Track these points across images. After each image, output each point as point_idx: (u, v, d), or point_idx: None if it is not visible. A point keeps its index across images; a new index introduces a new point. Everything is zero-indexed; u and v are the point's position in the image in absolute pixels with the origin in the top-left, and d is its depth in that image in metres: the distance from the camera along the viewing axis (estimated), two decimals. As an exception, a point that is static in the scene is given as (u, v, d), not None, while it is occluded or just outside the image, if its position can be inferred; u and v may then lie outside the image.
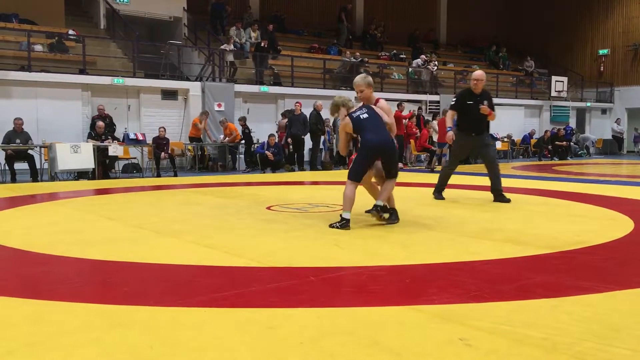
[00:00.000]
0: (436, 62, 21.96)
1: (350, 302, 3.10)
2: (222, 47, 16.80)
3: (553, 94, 23.89)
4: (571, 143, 21.55)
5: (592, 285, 3.37)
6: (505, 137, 19.92)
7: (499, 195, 7.61)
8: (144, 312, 2.93)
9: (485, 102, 7.44)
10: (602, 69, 26.59)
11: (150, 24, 18.68)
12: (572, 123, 24.66)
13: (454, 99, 7.85)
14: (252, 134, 14.91)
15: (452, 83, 21.79)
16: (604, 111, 26.27)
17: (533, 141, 21.14)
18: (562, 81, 24.19)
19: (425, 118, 18.08)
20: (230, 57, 16.98)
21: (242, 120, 14.77)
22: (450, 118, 7.83)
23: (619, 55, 26.04)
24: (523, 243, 4.70)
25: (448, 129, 7.84)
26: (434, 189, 8.09)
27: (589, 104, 25.56)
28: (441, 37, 27.51)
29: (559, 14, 27.71)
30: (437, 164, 14.11)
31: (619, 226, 5.52)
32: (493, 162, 7.71)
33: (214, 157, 15.28)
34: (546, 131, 20.75)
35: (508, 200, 7.49)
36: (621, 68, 26.00)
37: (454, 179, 11.40)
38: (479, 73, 7.56)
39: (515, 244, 4.68)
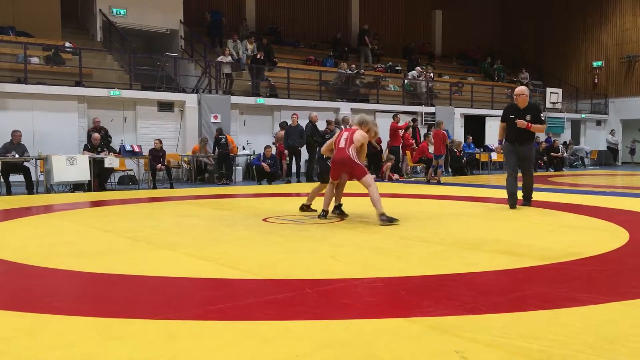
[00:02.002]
0: (432, 74, 22.06)
1: (346, 314, 3.10)
2: (218, 58, 16.86)
3: (548, 105, 24.02)
4: (564, 155, 21.64)
5: (587, 297, 3.37)
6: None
7: (525, 199, 8.25)
8: (139, 325, 2.92)
9: (528, 117, 7.88)
10: (596, 81, 26.77)
11: (147, 36, 18.74)
12: (567, 134, 24.78)
13: (502, 113, 8.49)
14: (222, 144, 14.21)
15: (447, 95, 21.90)
16: (598, 122, 26.42)
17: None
18: (557, 93, 24.33)
19: (426, 132, 18.11)
20: (226, 69, 17.03)
21: (218, 131, 14.62)
22: (501, 130, 8.41)
23: (613, 67, 26.23)
24: (518, 254, 4.70)
25: (498, 142, 8.67)
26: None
27: (583, 116, 25.71)
28: (436, 49, 27.68)
29: (553, 27, 27.94)
30: (432, 175, 14.14)
31: (613, 237, 5.54)
32: (526, 173, 8.22)
33: (211, 169, 15.27)
34: (541, 142, 20.83)
35: (528, 205, 8.17)
36: (615, 80, 26.18)
37: (449, 190, 11.45)
38: (518, 89, 8.13)
39: (510, 255, 4.69)
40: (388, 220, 6.49)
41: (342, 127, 15.53)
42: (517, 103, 8.03)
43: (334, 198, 7.31)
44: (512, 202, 8.10)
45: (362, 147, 7.10)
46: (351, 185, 7.41)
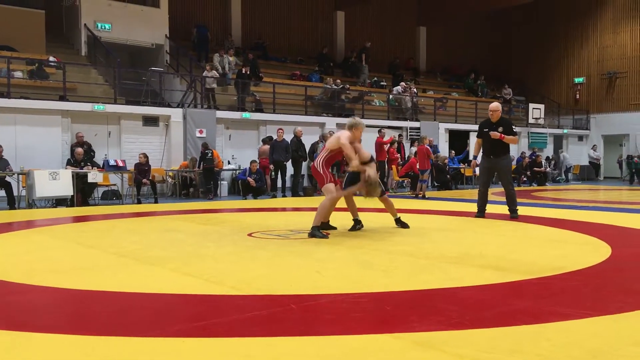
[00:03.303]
0: (415, 90, 22.25)
1: (331, 330, 3.08)
2: (204, 73, 16.86)
3: (531, 121, 24.30)
4: (547, 170, 21.86)
5: (572, 312, 3.39)
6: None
7: (511, 212, 8.68)
8: (122, 342, 2.88)
9: (500, 129, 8.41)
10: (578, 97, 27.17)
11: (132, 51, 18.71)
12: (550, 150, 25.06)
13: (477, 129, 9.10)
14: (207, 158, 14.15)
15: (432, 110, 22.08)
16: (580, 138, 26.77)
17: (512, 167, 21.38)
18: (539, 108, 24.63)
19: (413, 149, 18.22)
20: (209, 84, 17.00)
21: (204, 146, 14.59)
22: (476, 146, 9.02)
23: (594, 83, 26.66)
24: (503, 269, 4.73)
25: (472, 157, 9.34)
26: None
27: (565, 131, 26.04)
28: (421, 65, 27.96)
29: (535, 43, 28.37)
30: (419, 189, 14.21)
31: (596, 251, 5.59)
32: (506, 185, 8.70)
33: (196, 183, 15.20)
34: (524, 157, 21.04)
35: (516, 217, 8.58)
36: (596, 96, 26.61)
37: (434, 205, 11.49)
38: (492, 105, 8.73)
39: (495, 269, 4.70)
40: (313, 235, 6.57)
41: (323, 143, 15.62)
42: (491, 118, 8.62)
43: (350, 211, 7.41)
44: (479, 215, 8.81)
45: (357, 150, 6.86)
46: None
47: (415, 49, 28.15)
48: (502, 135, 8.38)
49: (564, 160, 23.75)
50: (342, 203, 7.28)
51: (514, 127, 8.76)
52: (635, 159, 23.43)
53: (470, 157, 9.64)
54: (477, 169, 10.63)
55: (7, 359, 2.65)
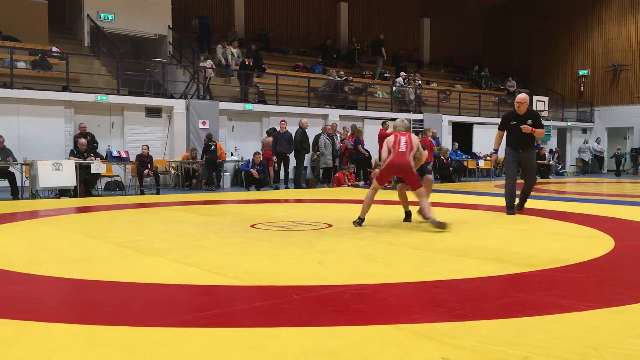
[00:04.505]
0: (420, 81, 22.17)
1: (333, 321, 3.09)
2: (201, 64, 16.82)
3: (534, 113, 24.20)
4: (550, 162, 21.83)
5: (573, 304, 3.39)
6: (488, 156, 20.14)
7: (518, 206, 8.39)
8: (125, 332, 2.89)
9: (530, 122, 8.03)
10: (582, 89, 27.05)
11: (135, 42, 18.67)
12: (554, 142, 24.99)
13: (500, 121, 8.59)
14: (211, 150, 14.32)
15: (435, 102, 22.02)
16: (584, 130, 26.68)
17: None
18: (543, 101, 24.54)
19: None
20: (209, 74, 16.95)
21: (208, 137, 14.59)
22: (497, 139, 8.55)
23: (599, 76, 26.53)
24: (505, 261, 4.73)
25: (493, 151, 8.78)
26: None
27: (569, 124, 25.95)
28: (424, 57, 27.86)
29: (540, 36, 28.23)
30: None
31: (599, 244, 5.58)
32: (529, 181, 8.41)
33: (198, 175, 15.22)
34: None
35: (521, 210, 8.35)
36: (601, 88, 26.48)
37: (436, 197, 11.48)
38: (520, 96, 8.26)
39: (497, 262, 4.71)
40: (439, 225, 6.49)
41: (325, 134, 15.62)
42: (517, 110, 8.16)
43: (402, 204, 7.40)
44: (510, 212, 8.25)
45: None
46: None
47: (419, 41, 28.04)
48: (533, 129, 7.99)
49: (584, 153, 23.67)
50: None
51: (541, 119, 8.40)
52: (617, 151, 23.52)
53: (485, 150, 9.28)
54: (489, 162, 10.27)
55: (11, 348, 2.67)
